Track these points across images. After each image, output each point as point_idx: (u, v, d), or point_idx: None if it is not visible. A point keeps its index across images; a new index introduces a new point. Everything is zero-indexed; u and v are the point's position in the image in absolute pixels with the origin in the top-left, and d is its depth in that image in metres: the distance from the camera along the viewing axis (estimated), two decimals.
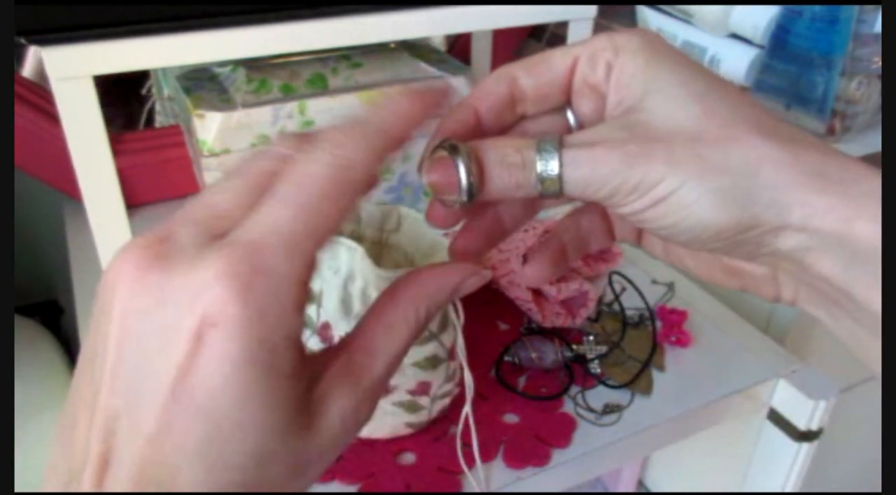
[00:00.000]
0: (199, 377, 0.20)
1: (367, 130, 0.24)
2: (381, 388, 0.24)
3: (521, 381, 0.52)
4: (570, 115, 0.28)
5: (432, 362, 0.43)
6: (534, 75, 0.27)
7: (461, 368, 0.46)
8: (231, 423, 0.20)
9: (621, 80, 0.26)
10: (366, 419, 0.24)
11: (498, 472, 0.45)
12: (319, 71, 0.66)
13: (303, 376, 0.22)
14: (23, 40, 0.44)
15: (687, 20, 0.66)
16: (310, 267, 0.22)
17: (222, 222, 0.22)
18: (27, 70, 0.76)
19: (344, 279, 0.41)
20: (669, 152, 0.23)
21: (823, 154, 0.24)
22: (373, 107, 0.25)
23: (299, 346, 0.22)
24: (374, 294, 0.41)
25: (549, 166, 0.24)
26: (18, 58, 0.74)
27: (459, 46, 0.86)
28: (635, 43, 0.26)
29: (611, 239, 0.31)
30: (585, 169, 0.24)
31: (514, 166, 0.25)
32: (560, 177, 0.24)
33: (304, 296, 0.21)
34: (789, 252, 0.24)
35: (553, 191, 0.25)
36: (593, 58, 0.26)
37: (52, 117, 0.66)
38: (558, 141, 0.25)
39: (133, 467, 0.20)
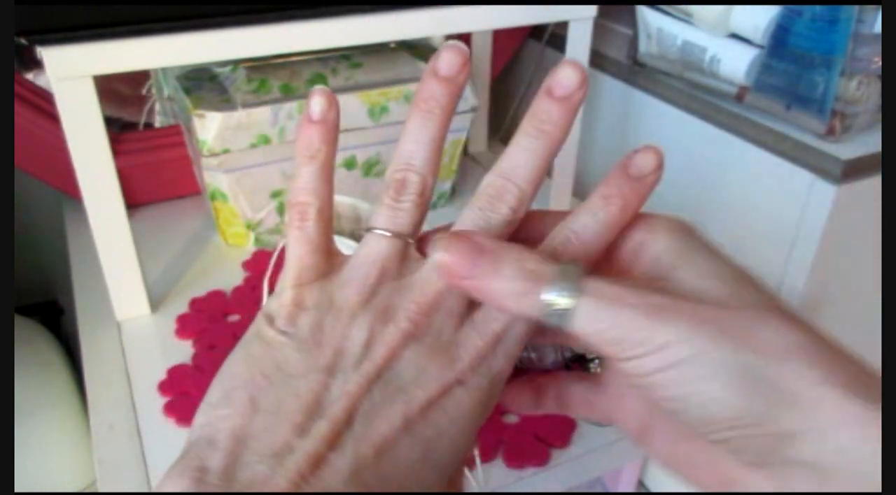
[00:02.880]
0: (434, 414, 0.24)
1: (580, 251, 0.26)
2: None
3: None
4: None
5: None
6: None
7: None
8: (433, 460, 0.24)
9: (652, 255, 0.26)
10: None
11: (498, 472, 0.45)
12: (319, 71, 0.66)
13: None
14: (23, 40, 0.44)
15: (687, 20, 0.66)
16: (518, 357, 0.27)
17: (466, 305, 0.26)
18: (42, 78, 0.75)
19: None
20: (695, 312, 0.22)
21: (861, 366, 0.22)
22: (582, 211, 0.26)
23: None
24: None
25: (564, 291, 0.23)
26: (33, 63, 0.74)
27: None
28: (673, 225, 0.27)
29: (593, 417, 0.32)
30: (605, 308, 0.23)
31: (526, 277, 0.23)
32: (571, 309, 0.23)
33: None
34: (807, 464, 0.21)
35: (555, 319, 0.23)
36: (627, 235, 0.26)
37: (52, 117, 0.66)
38: (582, 269, 0.24)
39: (354, 464, 0.23)
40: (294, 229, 0.27)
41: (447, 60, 0.27)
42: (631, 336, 0.22)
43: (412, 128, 0.27)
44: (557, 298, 0.23)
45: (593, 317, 0.23)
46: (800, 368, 0.21)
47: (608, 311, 0.22)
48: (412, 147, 0.27)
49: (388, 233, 0.27)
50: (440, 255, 0.24)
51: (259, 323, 0.26)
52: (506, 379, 0.26)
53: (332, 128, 0.27)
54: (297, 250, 0.27)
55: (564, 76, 0.27)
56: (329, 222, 0.28)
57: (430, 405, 0.24)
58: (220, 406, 0.24)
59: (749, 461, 0.22)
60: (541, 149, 0.26)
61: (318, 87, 0.28)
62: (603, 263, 0.26)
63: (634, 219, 0.27)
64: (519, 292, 0.23)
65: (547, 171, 0.27)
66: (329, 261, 0.27)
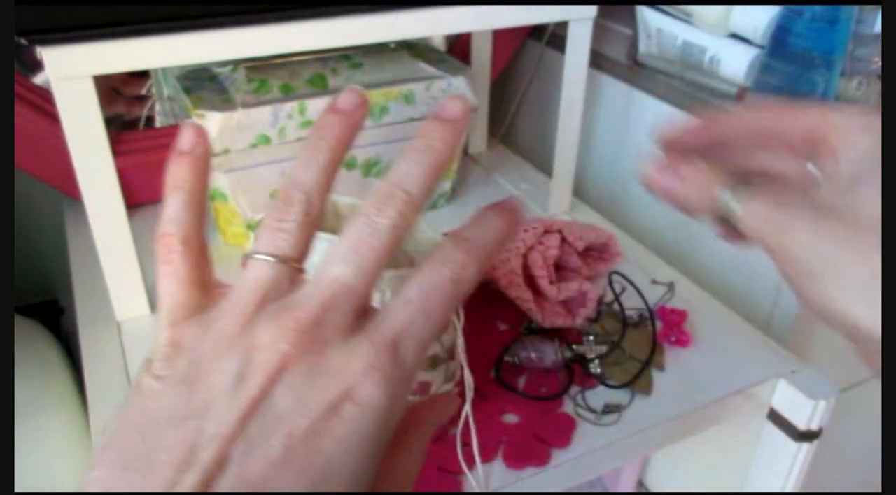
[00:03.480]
0: (321, 440, 0.23)
1: (477, 251, 0.27)
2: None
3: (521, 381, 0.52)
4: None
5: (432, 362, 0.43)
6: (782, 124, 0.32)
7: (461, 368, 0.46)
8: (324, 489, 0.23)
9: (855, 157, 0.29)
10: None
11: (498, 472, 0.45)
12: (319, 71, 0.66)
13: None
14: (23, 40, 0.44)
15: (687, 20, 0.66)
16: (422, 365, 0.26)
17: (360, 302, 0.25)
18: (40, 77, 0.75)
19: None
20: (846, 223, 0.27)
21: None
22: (473, 224, 0.28)
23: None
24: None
25: (735, 194, 0.30)
26: (34, 63, 0.74)
27: (459, 46, 0.86)
28: (877, 137, 0.29)
29: None
30: (758, 219, 0.29)
31: (702, 185, 0.30)
32: (735, 213, 0.29)
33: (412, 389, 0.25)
34: None
35: (728, 214, 0.30)
36: (834, 130, 0.30)
37: (52, 117, 0.66)
38: (748, 181, 0.30)
39: None
40: (161, 264, 0.26)
41: (346, 99, 0.29)
42: (773, 245, 0.28)
43: (302, 155, 0.27)
44: (731, 199, 0.29)
45: (759, 213, 0.29)
46: None
47: (773, 204, 0.29)
48: (300, 171, 0.27)
49: (270, 258, 0.26)
50: (644, 170, 0.31)
51: (139, 370, 0.25)
52: (411, 389, 0.25)
53: (201, 160, 0.28)
54: (167, 287, 0.26)
55: (452, 104, 0.29)
56: (201, 254, 0.28)
57: (313, 432, 0.23)
58: (93, 467, 0.23)
59: None
60: (427, 162, 0.27)
61: (188, 122, 0.28)
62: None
63: (859, 116, 0.30)
64: (703, 196, 0.30)
65: (435, 186, 0.28)
66: (206, 295, 0.27)
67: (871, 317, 0.27)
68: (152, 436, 0.23)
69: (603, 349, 0.54)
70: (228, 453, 0.22)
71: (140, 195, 0.75)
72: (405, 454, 0.28)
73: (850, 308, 0.28)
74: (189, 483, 0.22)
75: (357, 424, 0.23)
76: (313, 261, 0.39)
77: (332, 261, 0.26)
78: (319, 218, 0.28)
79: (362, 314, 0.25)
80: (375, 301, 0.41)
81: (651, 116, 0.75)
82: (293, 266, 0.27)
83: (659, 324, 0.58)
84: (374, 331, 0.24)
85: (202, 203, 0.28)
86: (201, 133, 0.27)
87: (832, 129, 0.31)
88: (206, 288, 0.27)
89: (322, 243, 0.40)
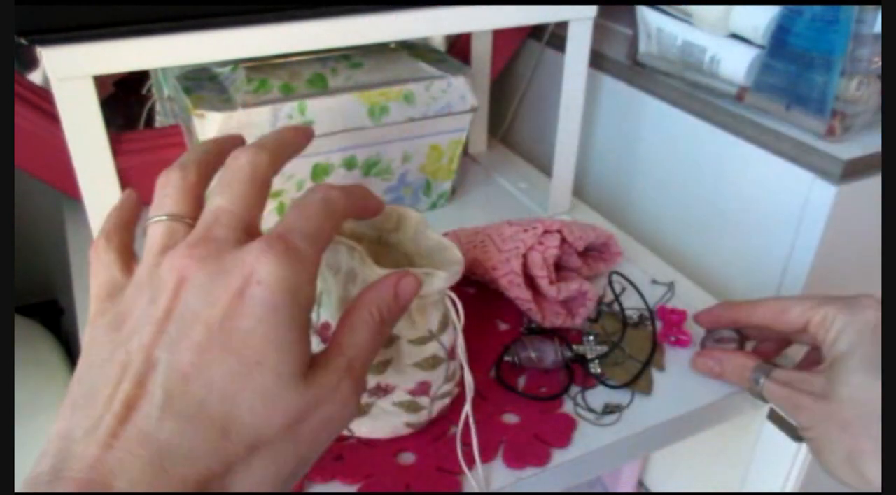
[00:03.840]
0: (238, 320, 0.26)
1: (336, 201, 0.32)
2: (354, 377, 0.31)
3: (521, 381, 0.52)
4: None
5: (432, 362, 0.43)
6: (777, 321, 0.47)
7: (461, 368, 0.46)
8: (253, 362, 0.26)
9: (835, 335, 0.42)
10: (348, 399, 0.30)
11: (498, 472, 0.45)
12: (319, 71, 0.66)
13: (309, 341, 0.29)
14: (23, 40, 0.44)
15: (687, 20, 0.66)
16: (319, 256, 0.30)
17: (242, 221, 0.30)
18: (38, 75, 0.75)
19: (344, 279, 0.41)
20: (834, 415, 0.40)
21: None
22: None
23: (310, 316, 0.29)
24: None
25: (761, 376, 0.46)
26: (31, 61, 0.74)
27: (459, 46, 0.86)
28: (864, 325, 0.41)
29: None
30: (775, 398, 0.45)
31: (738, 372, 0.49)
32: (762, 388, 0.46)
33: (316, 275, 0.29)
34: None
35: (753, 391, 0.48)
36: (822, 323, 0.43)
37: (52, 117, 0.66)
38: (770, 369, 0.46)
39: (163, 400, 0.25)
40: (91, 262, 0.32)
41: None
42: (792, 412, 0.44)
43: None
44: (760, 380, 0.46)
45: (774, 394, 0.45)
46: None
47: (783, 389, 0.44)
48: (184, 155, 0.35)
49: (161, 218, 0.31)
50: (697, 357, 0.52)
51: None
52: (312, 268, 0.29)
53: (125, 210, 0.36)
54: (93, 275, 0.31)
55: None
56: (123, 248, 0.33)
57: (226, 316, 0.26)
58: (54, 421, 0.27)
59: None
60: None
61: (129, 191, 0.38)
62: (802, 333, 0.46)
63: (831, 309, 0.43)
64: (734, 377, 0.49)
65: (292, 146, 0.36)
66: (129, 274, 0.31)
67: (855, 483, 0.36)
68: (93, 375, 0.27)
69: (603, 349, 0.54)
70: (155, 356, 0.26)
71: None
72: (349, 334, 0.32)
73: (839, 473, 0.37)
74: (124, 390, 0.25)
75: (263, 299, 0.26)
76: (338, 269, 0.40)
77: (208, 199, 0.31)
78: (201, 183, 0.33)
79: (251, 235, 0.29)
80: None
81: (651, 116, 0.75)
82: (183, 221, 0.31)
83: (659, 324, 0.58)
84: (263, 236, 0.29)
85: (130, 217, 0.35)
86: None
87: (816, 327, 0.42)
88: (128, 270, 0.31)
89: (341, 248, 0.41)
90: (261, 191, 0.31)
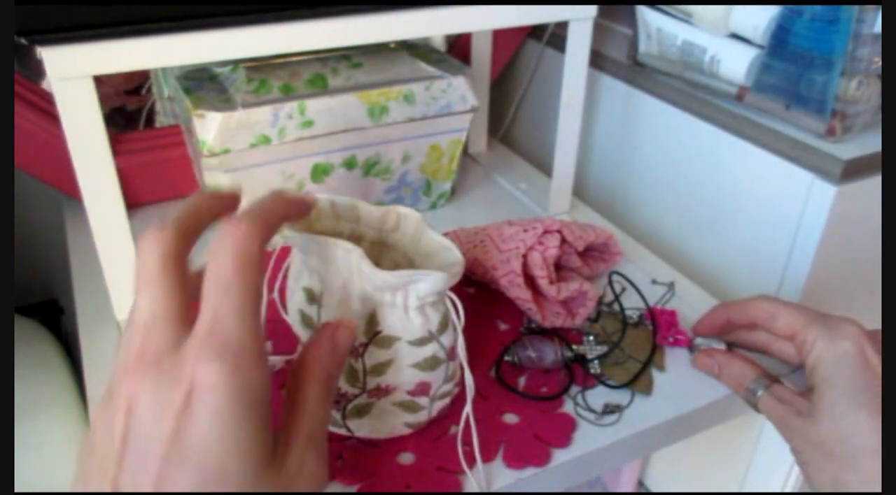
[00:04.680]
0: (190, 431, 0.26)
1: (254, 219, 0.31)
2: (316, 447, 0.31)
3: (521, 381, 0.52)
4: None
5: (432, 363, 0.43)
6: (763, 320, 0.48)
7: (461, 368, 0.46)
8: (216, 469, 0.26)
9: (815, 359, 0.43)
10: (315, 470, 0.31)
11: (498, 472, 0.45)
12: (319, 71, 0.66)
13: (268, 426, 0.29)
14: (23, 40, 0.44)
15: (687, 20, 0.66)
16: (257, 328, 0.29)
17: (170, 319, 0.30)
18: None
19: (343, 279, 0.41)
20: (811, 436, 0.40)
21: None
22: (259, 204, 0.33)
23: (267, 399, 0.29)
24: (373, 294, 0.41)
25: (756, 389, 0.46)
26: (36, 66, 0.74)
27: (459, 46, 0.86)
28: (830, 364, 0.41)
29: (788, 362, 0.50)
30: (769, 413, 0.45)
31: (736, 378, 0.49)
32: (757, 400, 0.46)
33: (262, 350, 0.29)
34: None
35: (749, 401, 0.47)
36: (803, 345, 0.44)
37: (52, 117, 0.66)
38: (768, 382, 0.46)
39: None
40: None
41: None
42: (783, 430, 0.44)
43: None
44: (752, 393, 0.47)
45: (770, 405, 0.45)
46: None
47: (776, 408, 0.44)
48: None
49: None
50: (697, 356, 0.52)
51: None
52: (256, 352, 0.29)
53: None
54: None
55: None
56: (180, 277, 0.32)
57: (176, 431, 0.26)
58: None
59: None
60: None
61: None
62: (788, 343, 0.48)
63: (823, 324, 0.43)
64: (739, 385, 0.48)
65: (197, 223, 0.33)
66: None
67: None
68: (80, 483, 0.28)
69: (603, 349, 0.54)
70: (119, 487, 0.26)
71: (140, 195, 0.75)
72: (303, 406, 0.32)
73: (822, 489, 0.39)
74: None
75: (209, 405, 0.26)
76: (337, 270, 0.40)
77: (135, 301, 0.30)
78: (181, 252, 0.32)
79: (186, 324, 0.29)
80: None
81: (651, 116, 0.75)
82: (160, 317, 0.31)
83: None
84: (193, 332, 0.28)
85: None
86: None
87: (799, 346, 0.43)
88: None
89: (339, 249, 0.41)
90: (177, 279, 0.31)
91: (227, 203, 0.35)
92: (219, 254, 0.30)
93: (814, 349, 0.42)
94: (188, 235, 0.32)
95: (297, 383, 0.33)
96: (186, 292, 0.31)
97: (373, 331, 0.42)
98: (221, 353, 0.27)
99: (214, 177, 0.59)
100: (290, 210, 0.35)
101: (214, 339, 0.28)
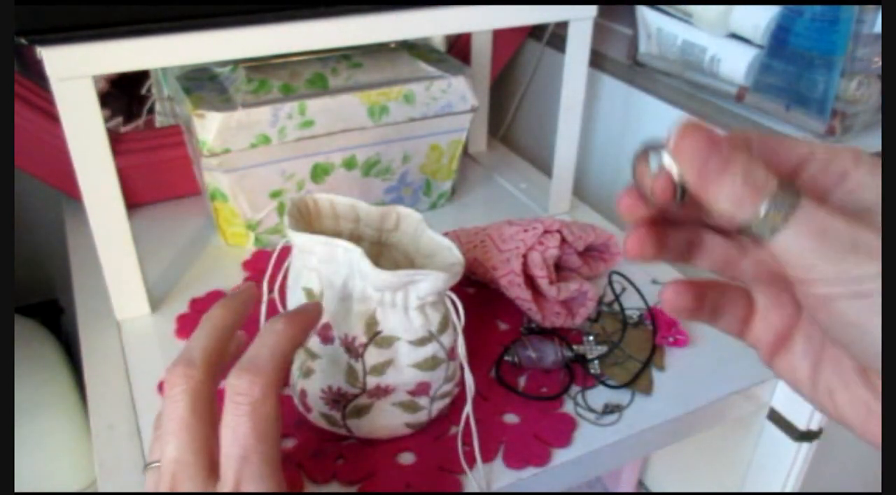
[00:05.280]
0: None
1: (263, 373, 0.32)
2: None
3: (521, 381, 0.52)
4: None
5: (432, 363, 0.43)
6: (768, 149, 0.26)
7: (461, 368, 0.46)
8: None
9: (853, 187, 0.25)
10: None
11: (498, 472, 0.45)
12: (319, 71, 0.66)
13: None
14: (23, 40, 0.44)
15: (687, 20, 0.66)
16: (279, 486, 0.31)
17: (197, 464, 0.31)
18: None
19: (344, 279, 0.41)
20: None
21: None
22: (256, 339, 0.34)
23: None
24: (373, 294, 0.41)
25: (777, 208, 0.23)
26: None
27: (459, 46, 0.86)
28: (877, 164, 0.26)
29: (739, 334, 0.31)
30: (813, 233, 0.23)
31: (751, 185, 0.23)
32: (778, 226, 0.23)
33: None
34: None
35: (761, 233, 0.23)
36: (832, 162, 0.26)
37: (52, 117, 0.66)
38: (800, 192, 0.23)
39: None
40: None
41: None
42: (829, 267, 0.22)
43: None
44: (773, 212, 0.23)
45: (799, 239, 0.23)
46: None
47: (815, 238, 0.23)
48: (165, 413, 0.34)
49: (155, 464, 0.33)
50: (674, 138, 0.24)
51: None
52: (281, 480, 0.31)
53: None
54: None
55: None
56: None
57: None
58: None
59: None
60: (210, 334, 0.35)
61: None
62: (802, 182, 0.26)
63: (841, 148, 0.26)
64: (740, 198, 0.23)
65: (221, 351, 0.35)
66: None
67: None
68: None
69: (603, 349, 0.54)
70: None
71: (140, 195, 0.75)
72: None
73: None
74: None
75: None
76: (337, 270, 0.40)
77: (164, 443, 0.32)
78: (210, 382, 0.33)
79: (213, 467, 0.31)
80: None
81: (651, 116, 0.75)
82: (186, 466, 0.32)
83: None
84: (221, 477, 0.31)
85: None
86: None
87: (820, 170, 0.26)
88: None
89: (339, 249, 0.41)
90: (200, 414, 0.32)
91: (246, 311, 0.37)
92: (236, 418, 0.31)
93: (857, 169, 0.26)
94: (215, 372, 0.34)
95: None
96: (215, 435, 0.32)
97: (373, 331, 0.42)
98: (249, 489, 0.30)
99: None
100: (297, 339, 0.35)
101: (242, 479, 0.30)
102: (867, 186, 0.25)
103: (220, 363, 0.34)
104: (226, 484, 0.30)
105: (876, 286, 0.22)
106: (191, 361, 0.33)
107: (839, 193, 0.25)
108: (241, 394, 0.31)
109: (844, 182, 0.25)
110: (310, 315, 0.37)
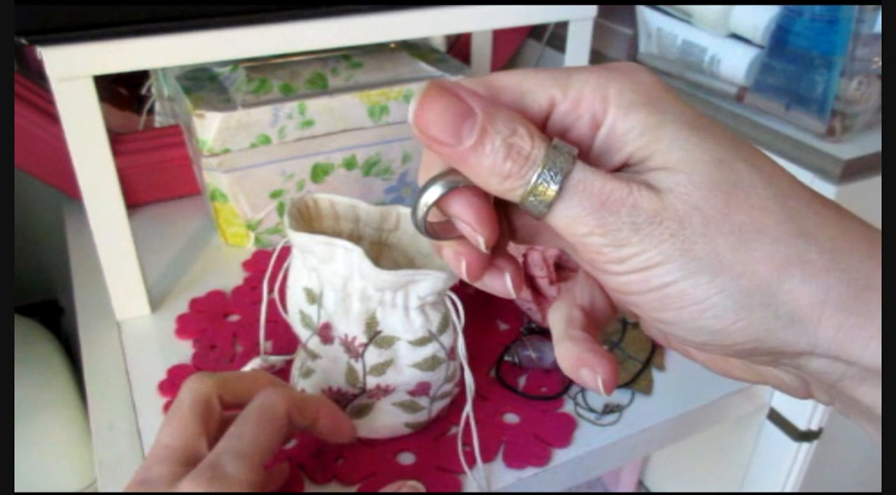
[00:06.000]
0: None
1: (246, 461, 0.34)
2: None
3: (521, 381, 0.52)
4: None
5: (432, 363, 0.43)
6: (513, 102, 0.21)
7: (461, 368, 0.46)
8: None
9: (614, 142, 0.20)
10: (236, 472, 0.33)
11: (498, 472, 0.45)
12: (319, 71, 0.66)
13: None
14: (23, 40, 0.44)
15: (687, 20, 0.66)
16: (253, 470, 0.32)
17: (181, 454, 0.33)
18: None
19: (343, 279, 0.41)
20: (683, 237, 0.19)
21: (871, 248, 0.19)
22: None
23: None
24: (373, 294, 0.41)
25: (549, 179, 0.19)
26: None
27: (459, 46, 0.86)
28: (627, 94, 0.20)
29: (614, 313, 0.25)
30: (589, 210, 0.19)
31: (515, 151, 0.19)
32: (553, 199, 0.19)
33: (253, 488, 0.32)
34: (819, 374, 0.20)
35: (535, 209, 0.20)
36: (575, 108, 0.21)
37: (52, 117, 0.66)
38: (574, 156, 0.20)
39: None
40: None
41: None
42: (614, 251, 0.19)
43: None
44: (543, 187, 0.19)
45: (575, 217, 0.19)
46: (798, 287, 0.19)
47: (592, 215, 0.19)
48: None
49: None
50: (414, 110, 0.19)
51: None
52: (253, 486, 0.32)
53: None
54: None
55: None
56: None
57: None
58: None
59: (762, 364, 0.22)
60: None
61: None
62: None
63: (581, 81, 0.21)
64: (503, 173, 0.19)
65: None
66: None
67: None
68: None
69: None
70: None
71: (140, 195, 0.75)
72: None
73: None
74: None
75: None
76: (337, 270, 0.40)
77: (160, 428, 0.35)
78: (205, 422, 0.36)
79: (191, 465, 0.32)
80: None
81: None
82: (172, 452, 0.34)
83: None
84: (195, 467, 0.32)
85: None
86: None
87: (572, 105, 0.21)
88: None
89: (339, 249, 0.41)
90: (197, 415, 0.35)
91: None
92: (251, 404, 0.36)
93: (606, 87, 0.21)
94: (224, 395, 0.37)
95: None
96: (206, 436, 0.34)
97: (373, 331, 0.42)
98: (212, 483, 0.31)
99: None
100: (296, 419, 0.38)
101: (209, 471, 0.31)
102: (627, 135, 0.20)
103: (233, 394, 0.38)
104: (205, 459, 0.32)
105: (673, 274, 0.19)
106: (210, 375, 0.37)
107: (603, 150, 0.21)
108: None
109: (600, 133, 0.21)
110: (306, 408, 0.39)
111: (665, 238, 0.19)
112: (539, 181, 0.19)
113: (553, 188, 0.19)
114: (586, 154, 0.21)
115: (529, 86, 0.21)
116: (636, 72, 0.21)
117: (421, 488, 0.40)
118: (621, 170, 0.21)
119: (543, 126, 0.21)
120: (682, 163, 0.19)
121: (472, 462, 0.45)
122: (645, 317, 0.21)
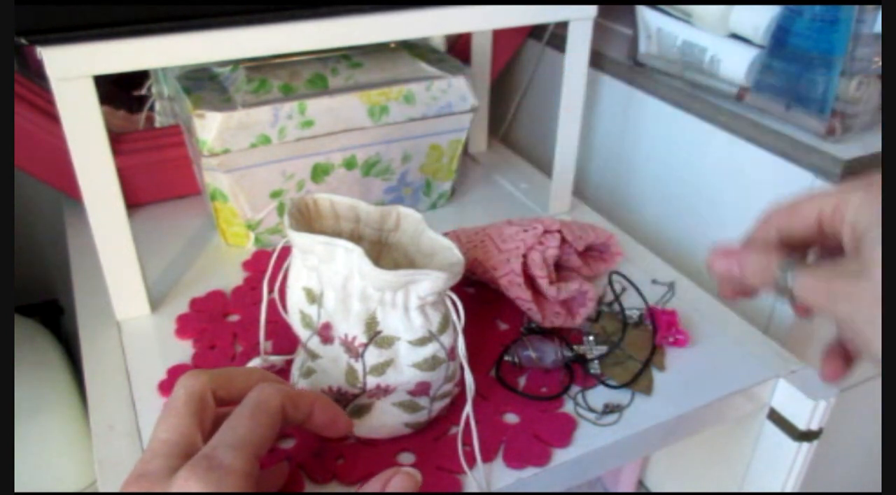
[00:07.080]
0: None
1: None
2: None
3: (521, 381, 0.52)
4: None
5: (432, 363, 0.43)
6: (791, 222, 0.38)
7: (461, 368, 0.46)
8: None
9: (848, 222, 0.34)
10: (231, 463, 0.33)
11: (498, 472, 0.45)
12: (319, 71, 0.66)
13: None
14: (23, 40, 0.44)
15: (687, 20, 0.66)
16: (249, 461, 0.33)
17: (179, 448, 0.34)
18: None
19: (343, 279, 0.41)
20: (857, 298, 0.32)
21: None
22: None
23: None
24: (373, 294, 0.41)
25: (785, 279, 0.35)
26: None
27: (459, 46, 0.86)
28: (861, 194, 0.34)
29: None
30: (808, 292, 0.34)
31: (761, 269, 0.37)
32: (790, 286, 0.35)
33: (247, 481, 0.32)
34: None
35: (783, 293, 0.36)
36: (836, 210, 0.35)
37: (52, 117, 0.66)
38: (793, 264, 0.35)
39: None
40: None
41: None
42: (825, 310, 0.34)
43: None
44: (782, 282, 0.35)
45: (801, 293, 0.34)
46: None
47: (809, 292, 0.34)
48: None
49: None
50: (712, 258, 0.40)
51: None
52: (246, 478, 0.32)
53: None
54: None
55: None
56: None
57: None
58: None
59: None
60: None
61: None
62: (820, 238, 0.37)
63: (832, 196, 0.35)
64: (764, 275, 0.36)
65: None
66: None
67: None
68: None
69: (603, 349, 0.54)
70: None
71: (140, 195, 0.75)
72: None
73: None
74: None
75: None
76: (337, 270, 0.40)
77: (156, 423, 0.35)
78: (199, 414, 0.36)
79: (188, 458, 0.33)
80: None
81: (651, 116, 0.75)
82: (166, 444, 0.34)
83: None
84: (191, 459, 0.32)
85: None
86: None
87: (831, 216, 0.36)
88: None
89: (339, 249, 0.41)
90: (193, 411, 0.35)
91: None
92: (247, 398, 0.36)
93: (849, 206, 0.35)
94: (218, 391, 0.37)
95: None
96: (202, 431, 0.35)
97: (373, 331, 0.42)
98: (207, 473, 0.31)
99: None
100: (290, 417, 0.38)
101: (205, 462, 0.32)
102: (854, 231, 0.34)
103: (227, 391, 0.38)
104: (201, 450, 0.33)
105: (853, 309, 0.32)
106: (206, 371, 0.38)
107: (845, 231, 0.35)
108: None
109: (843, 226, 0.35)
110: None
111: (859, 285, 0.33)
112: (778, 281, 0.37)
113: (789, 278, 0.36)
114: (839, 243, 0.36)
115: (796, 212, 0.38)
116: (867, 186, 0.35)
117: (417, 475, 0.40)
118: None
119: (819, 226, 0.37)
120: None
121: (472, 462, 0.45)
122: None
